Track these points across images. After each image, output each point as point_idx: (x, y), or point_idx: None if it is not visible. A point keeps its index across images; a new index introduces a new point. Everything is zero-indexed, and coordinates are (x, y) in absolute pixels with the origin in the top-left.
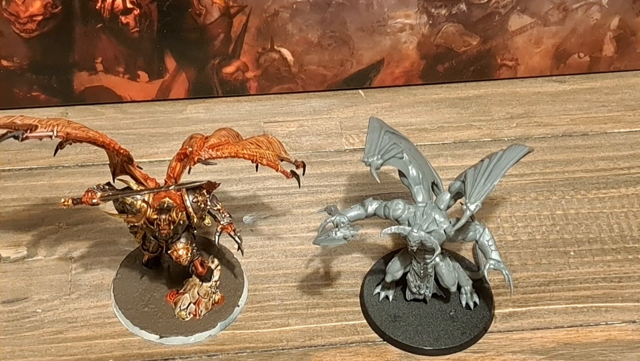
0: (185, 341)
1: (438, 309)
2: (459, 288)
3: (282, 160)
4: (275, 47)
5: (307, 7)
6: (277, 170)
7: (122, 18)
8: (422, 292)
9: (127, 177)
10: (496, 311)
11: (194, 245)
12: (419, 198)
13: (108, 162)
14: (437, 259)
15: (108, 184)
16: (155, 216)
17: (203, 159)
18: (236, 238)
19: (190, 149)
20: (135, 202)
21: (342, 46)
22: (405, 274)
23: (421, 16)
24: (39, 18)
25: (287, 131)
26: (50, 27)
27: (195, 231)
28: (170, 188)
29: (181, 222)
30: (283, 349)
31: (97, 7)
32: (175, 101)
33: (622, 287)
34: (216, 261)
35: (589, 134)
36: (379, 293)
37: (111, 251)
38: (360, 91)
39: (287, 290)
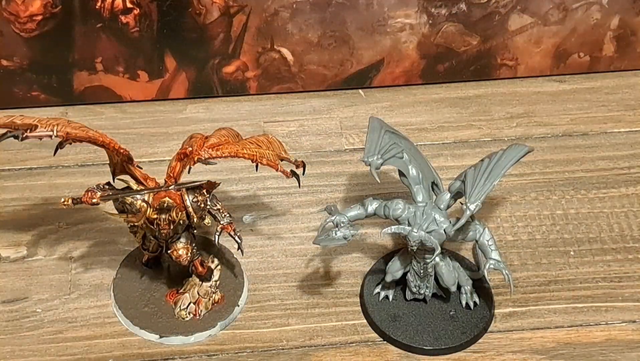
0: (185, 341)
1: (438, 309)
2: (459, 287)
3: (282, 160)
4: (275, 46)
5: (307, 6)
6: (277, 170)
7: (122, 18)
8: (422, 292)
9: (127, 177)
10: (496, 311)
11: (194, 245)
12: (419, 198)
13: (108, 162)
14: (437, 259)
15: (108, 183)
16: (155, 216)
17: (203, 158)
18: (236, 238)
19: (190, 148)
20: (135, 202)
21: (342, 46)
22: (405, 274)
23: (421, 16)
24: (39, 18)
25: (287, 131)
26: (50, 27)
27: (195, 231)
28: (170, 188)
29: (181, 222)
30: (283, 349)
31: (97, 7)
32: (175, 101)
33: (622, 287)
34: (216, 261)
35: (589, 134)
36: (379, 293)
37: (111, 251)
38: (360, 90)
39: (287, 290)
